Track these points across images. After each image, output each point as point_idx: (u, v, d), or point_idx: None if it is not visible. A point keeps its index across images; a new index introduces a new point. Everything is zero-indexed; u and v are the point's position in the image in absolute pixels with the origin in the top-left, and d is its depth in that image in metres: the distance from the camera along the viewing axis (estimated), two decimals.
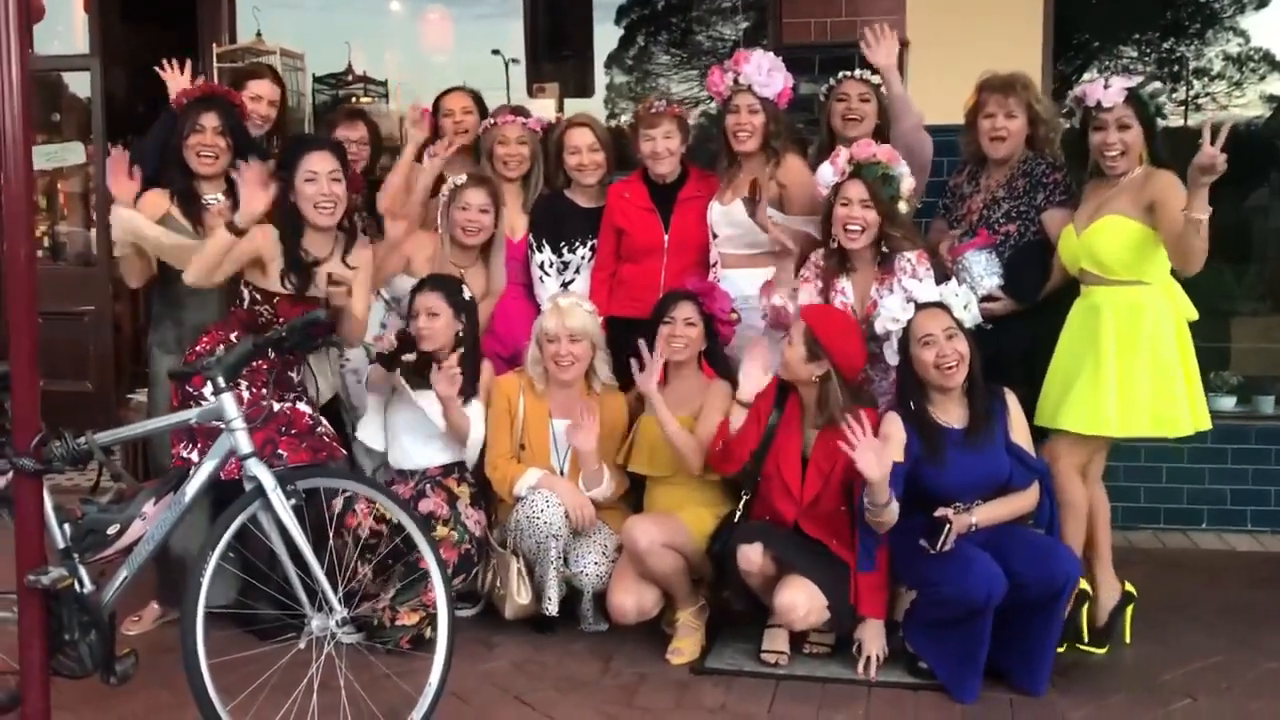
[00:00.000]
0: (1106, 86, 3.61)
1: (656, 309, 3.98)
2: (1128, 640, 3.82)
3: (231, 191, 3.98)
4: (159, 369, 4.02)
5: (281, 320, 3.73)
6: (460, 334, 4.01)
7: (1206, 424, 3.67)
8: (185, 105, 3.97)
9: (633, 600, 3.75)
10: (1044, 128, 3.98)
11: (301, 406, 3.85)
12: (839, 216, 3.83)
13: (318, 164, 3.76)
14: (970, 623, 3.35)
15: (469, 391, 4.01)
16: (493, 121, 4.49)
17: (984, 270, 3.87)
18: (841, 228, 3.83)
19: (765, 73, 4.12)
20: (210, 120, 3.93)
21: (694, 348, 3.94)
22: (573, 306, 4.00)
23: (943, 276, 3.82)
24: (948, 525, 3.36)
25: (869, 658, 3.57)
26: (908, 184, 3.84)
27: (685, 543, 3.76)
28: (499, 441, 4.02)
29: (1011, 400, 3.62)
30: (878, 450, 3.32)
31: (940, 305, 3.56)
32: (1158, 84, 3.76)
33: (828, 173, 3.90)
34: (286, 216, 3.79)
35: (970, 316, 3.57)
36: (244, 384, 3.68)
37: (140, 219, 3.84)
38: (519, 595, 3.89)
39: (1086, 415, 3.61)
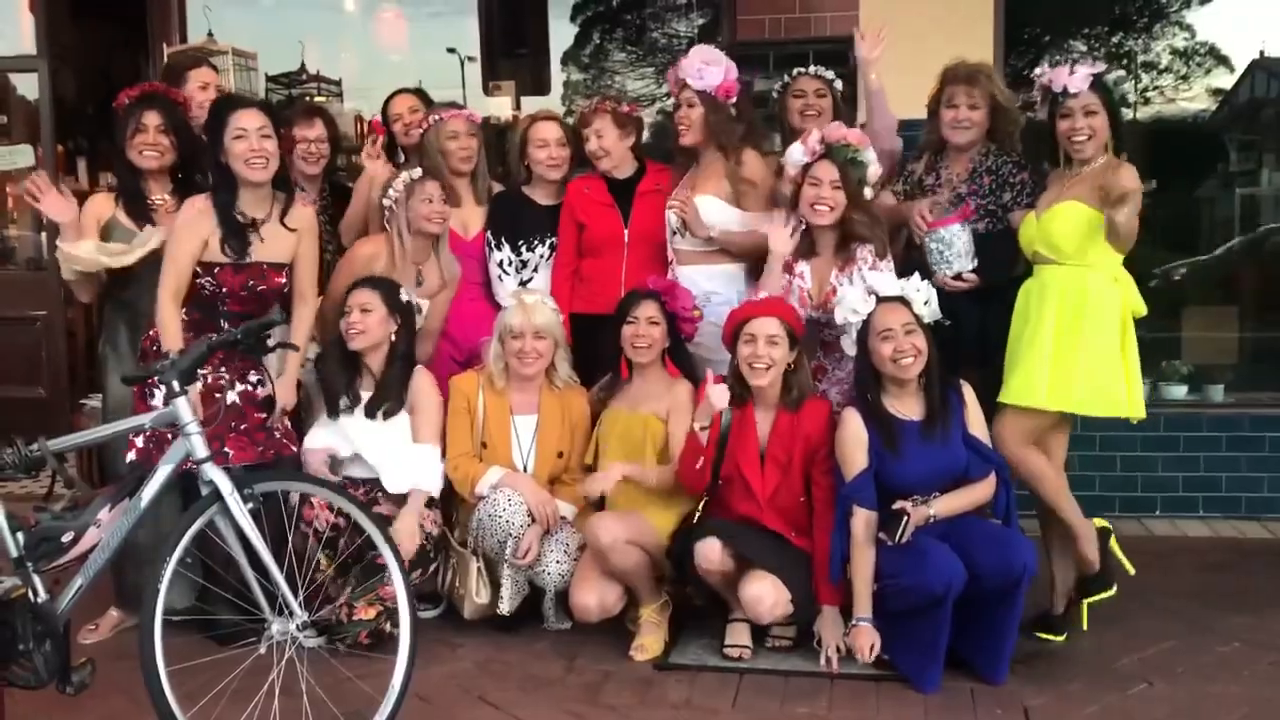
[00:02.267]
0: (1072, 73, 3.64)
1: (619, 308, 3.98)
2: (1085, 627, 3.86)
3: (178, 190, 3.95)
4: (112, 374, 3.97)
5: (225, 290, 3.72)
6: (394, 336, 3.97)
7: (1140, 413, 3.70)
8: (127, 105, 3.95)
9: (595, 598, 3.75)
10: (1005, 118, 4.01)
11: (261, 390, 3.82)
12: (807, 196, 3.87)
13: (246, 120, 3.68)
14: (930, 614, 3.38)
15: (395, 407, 3.97)
16: (437, 118, 4.44)
17: (965, 248, 3.83)
18: (809, 206, 3.87)
19: (698, 67, 4.13)
20: (152, 119, 3.90)
21: (658, 347, 3.94)
22: (538, 304, 3.98)
23: (903, 269, 3.83)
24: (905, 518, 3.40)
25: (830, 649, 3.59)
26: (874, 170, 3.88)
27: (648, 539, 3.76)
28: (459, 441, 4.00)
29: (968, 392, 3.66)
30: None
31: (901, 300, 3.58)
32: (1120, 73, 3.79)
33: (797, 152, 3.92)
34: (218, 179, 3.74)
35: (930, 312, 3.60)
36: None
37: (84, 257, 3.81)
38: (478, 595, 3.89)
39: (1019, 386, 3.65)
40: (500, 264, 4.42)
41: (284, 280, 3.82)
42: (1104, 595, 3.77)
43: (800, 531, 3.71)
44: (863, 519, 3.51)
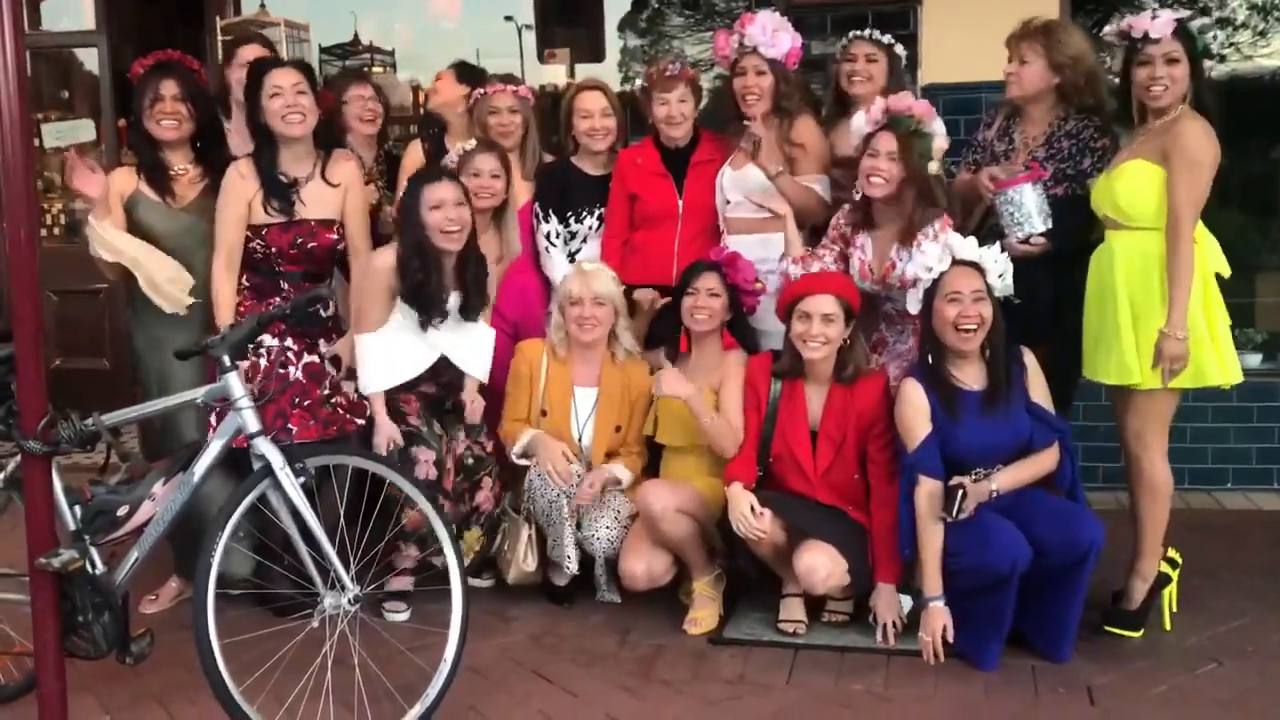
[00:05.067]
0: (1154, 18, 3.46)
1: (680, 281, 3.94)
2: (1174, 609, 3.70)
3: (199, 160, 3.95)
4: (137, 343, 3.97)
5: (275, 249, 3.75)
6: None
7: (1238, 377, 3.55)
8: (142, 75, 3.93)
9: (644, 566, 3.73)
10: (1071, 73, 3.81)
11: (328, 368, 3.84)
12: (864, 166, 3.79)
13: (280, 79, 3.71)
14: (994, 592, 3.31)
15: (483, 302, 4.00)
16: (483, 92, 4.41)
17: (1036, 208, 3.70)
18: (865, 177, 3.78)
19: (770, 33, 4.05)
20: (169, 88, 3.86)
21: (717, 318, 3.90)
22: (598, 271, 3.96)
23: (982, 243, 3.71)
24: (961, 492, 3.31)
25: (886, 625, 3.53)
26: (939, 142, 3.76)
27: (698, 509, 3.73)
28: (515, 403, 4.01)
29: (1029, 359, 3.56)
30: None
31: (976, 266, 3.48)
32: (1205, 19, 3.56)
33: (861, 122, 3.84)
34: (259, 140, 3.77)
35: (1003, 286, 3.49)
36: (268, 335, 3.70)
37: (115, 237, 3.80)
38: (525, 561, 3.90)
39: (1115, 366, 3.53)
40: (548, 236, 4.38)
41: (335, 236, 3.84)
42: (1125, 632, 3.60)
43: (857, 508, 3.65)
44: (928, 490, 3.41)
